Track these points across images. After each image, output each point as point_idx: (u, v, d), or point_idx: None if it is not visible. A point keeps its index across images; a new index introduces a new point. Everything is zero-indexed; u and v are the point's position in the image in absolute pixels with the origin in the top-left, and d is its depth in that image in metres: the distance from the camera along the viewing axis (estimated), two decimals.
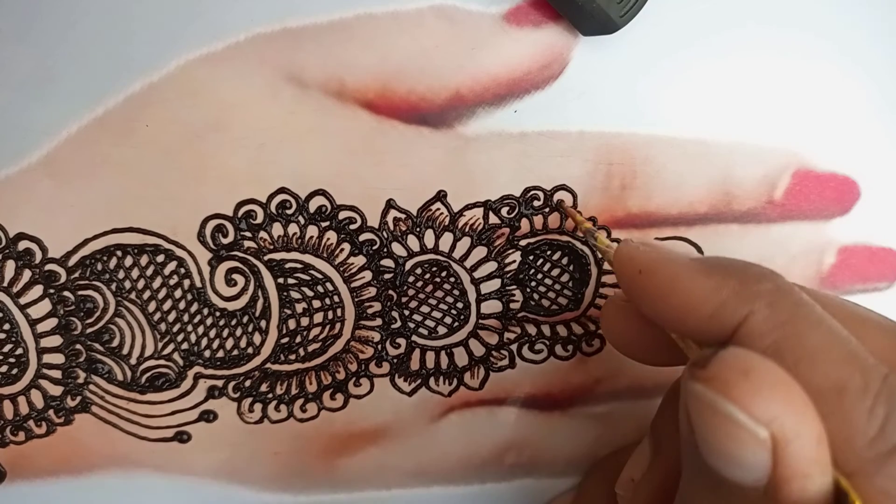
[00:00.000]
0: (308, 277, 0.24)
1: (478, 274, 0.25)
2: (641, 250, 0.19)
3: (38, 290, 0.23)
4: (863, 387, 0.15)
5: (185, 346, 0.24)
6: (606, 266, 0.26)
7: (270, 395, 0.25)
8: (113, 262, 0.24)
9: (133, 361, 0.24)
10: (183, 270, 0.24)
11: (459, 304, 0.25)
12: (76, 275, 0.23)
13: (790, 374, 0.14)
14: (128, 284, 0.24)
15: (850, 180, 0.27)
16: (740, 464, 0.14)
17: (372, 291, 0.25)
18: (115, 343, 0.24)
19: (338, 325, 0.25)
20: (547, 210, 0.25)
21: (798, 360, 0.15)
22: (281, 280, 0.24)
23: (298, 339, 0.25)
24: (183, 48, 0.23)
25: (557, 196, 0.25)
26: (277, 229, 0.24)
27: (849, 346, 0.15)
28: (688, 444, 0.16)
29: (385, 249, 0.24)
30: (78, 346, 0.24)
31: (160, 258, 0.24)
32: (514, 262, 0.25)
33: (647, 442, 0.22)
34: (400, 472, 0.26)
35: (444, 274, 0.25)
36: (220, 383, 0.25)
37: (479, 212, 0.25)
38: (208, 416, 0.25)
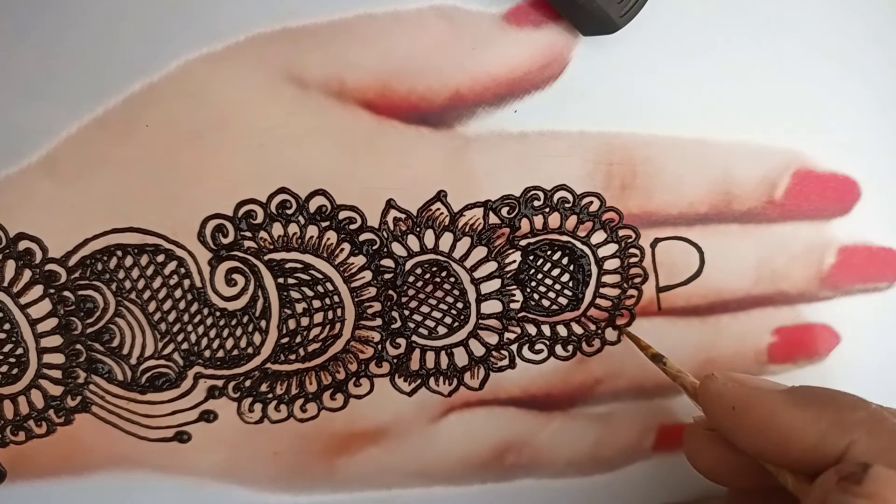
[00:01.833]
0: (308, 277, 0.24)
1: (478, 274, 0.25)
2: (730, 387, 0.20)
3: (38, 290, 0.23)
4: None
5: (185, 346, 0.24)
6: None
7: (270, 395, 0.25)
8: (113, 262, 0.24)
9: (133, 361, 0.24)
10: (183, 270, 0.24)
11: (459, 304, 0.25)
12: (76, 275, 0.23)
13: None
14: (128, 284, 0.24)
15: (850, 180, 0.27)
16: None
17: (372, 291, 0.25)
18: (116, 343, 0.24)
19: (338, 325, 0.25)
20: (547, 210, 0.25)
21: None
22: (281, 280, 0.24)
23: (298, 339, 0.25)
24: (183, 48, 0.23)
25: (619, 322, 0.26)
26: (277, 229, 0.24)
27: None
28: None
29: (385, 249, 0.24)
30: (78, 346, 0.24)
31: (160, 258, 0.24)
32: (514, 262, 0.25)
33: None
34: (400, 472, 0.26)
35: (444, 274, 0.25)
36: (220, 383, 0.25)
37: (479, 212, 0.25)
38: (208, 416, 0.25)
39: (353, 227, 0.24)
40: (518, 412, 0.26)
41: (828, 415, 0.18)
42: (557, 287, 0.26)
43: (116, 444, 0.25)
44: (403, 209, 0.24)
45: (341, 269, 0.24)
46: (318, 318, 0.25)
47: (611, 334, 0.26)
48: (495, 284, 0.25)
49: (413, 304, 0.25)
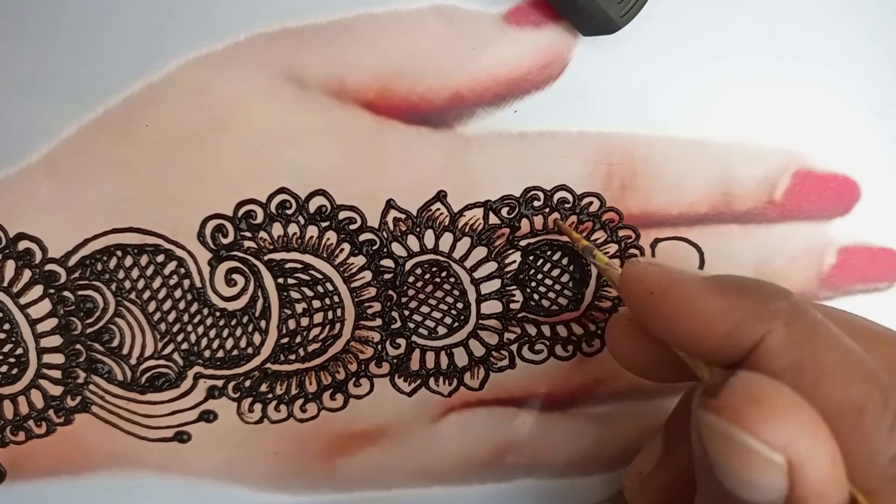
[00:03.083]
0: (308, 277, 0.24)
1: (478, 274, 0.25)
2: (650, 271, 0.19)
3: (38, 290, 0.23)
4: (882, 406, 0.15)
5: (185, 346, 0.24)
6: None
7: (270, 395, 0.25)
8: (113, 262, 0.24)
9: (133, 361, 0.24)
10: (183, 270, 0.24)
11: (459, 305, 0.25)
12: (76, 275, 0.23)
13: (810, 394, 0.15)
14: (128, 284, 0.24)
15: (850, 180, 0.27)
16: (757, 488, 0.14)
17: (372, 291, 0.25)
18: (115, 343, 0.24)
19: (338, 326, 0.25)
20: (547, 210, 0.25)
21: (817, 380, 0.15)
22: (281, 280, 0.24)
23: (298, 339, 0.25)
24: (183, 48, 0.23)
25: (552, 217, 0.25)
26: (277, 229, 0.24)
27: (866, 364, 0.16)
28: (702, 466, 0.16)
29: (385, 249, 0.24)
30: (78, 346, 0.24)
31: (160, 258, 0.24)
32: (514, 262, 0.25)
33: (659, 438, 0.22)
34: (400, 472, 0.26)
35: (444, 274, 0.25)
36: (220, 383, 0.25)
37: (479, 212, 0.25)
38: (208, 416, 0.25)
39: (353, 227, 0.24)
40: (518, 412, 0.26)
41: (747, 303, 0.17)
42: (557, 287, 0.26)
43: (116, 444, 0.25)
44: (403, 209, 0.24)
45: (341, 269, 0.24)
46: (318, 318, 0.25)
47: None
48: (495, 285, 0.25)
49: (413, 304, 0.25)
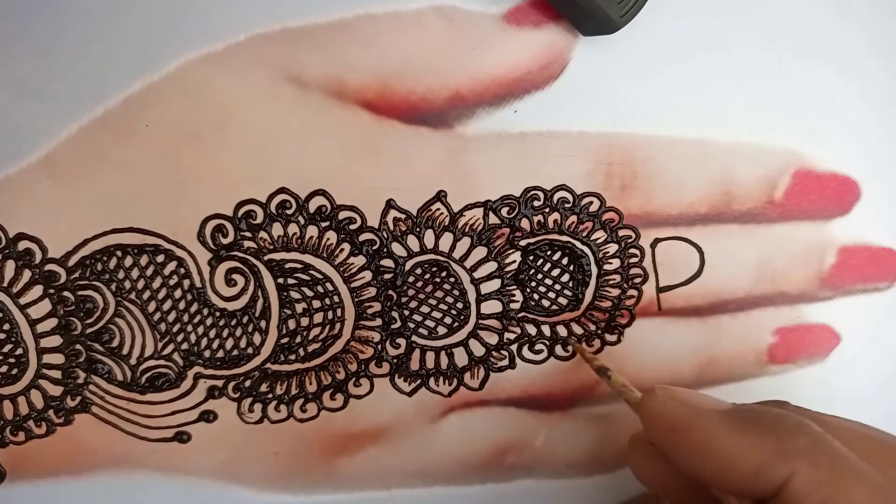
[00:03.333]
0: (308, 277, 0.24)
1: (478, 274, 0.25)
2: (670, 406, 0.19)
3: (38, 290, 0.23)
4: None
5: (185, 346, 0.24)
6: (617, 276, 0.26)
7: (270, 395, 0.25)
8: (113, 263, 0.24)
9: (133, 361, 0.24)
10: (183, 270, 0.24)
11: (459, 305, 0.25)
12: (76, 275, 0.23)
13: None
14: (128, 284, 0.24)
15: (850, 180, 0.27)
16: None
17: (372, 291, 0.25)
18: (115, 343, 0.24)
19: (338, 326, 0.25)
20: (547, 210, 0.25)
21: None
22: (281, 280, 0.24)
23: (298, 340, 0.25)
24: (183, 48, 0.23)
25: (570, 340, 0.25)
26: (277, 229, 0.24)
27: (892, 495, 0.16)
28: None
29: (385, 249, 0.24)
30: (78, 346, 0.24)
31: (160, 258, 0.24)
32: (514, 262, 0.25)
33: None
34: (400, 472, 0.26)
35: (443, 274, 0.25)
36: (220, 383, 0.25)
37: (479, 212, 0.25)
38: (208, 416, 0.25)
39: (352, 227, 0.24)
40: (518, 412, 0.26)
41: (768, 441, 0.17)
42: (557, 287, 0.26)
43: (116, 445, 0.25)
44: (403, 209, 0.24)
45: (341, 269, 0.24)
46: (318, 318, 0.25)
47: (610, 336, 0.26)
48: (495, 284, 0.25)
49: (413, 304, 0.25)
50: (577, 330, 0.26)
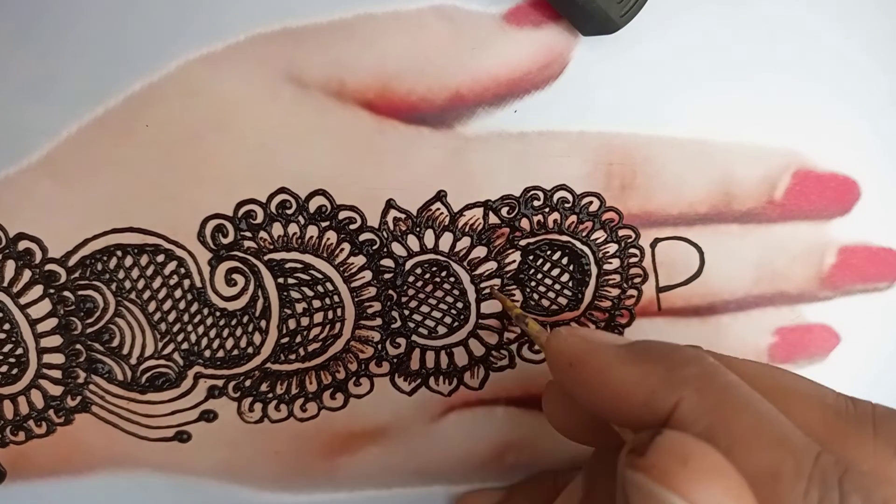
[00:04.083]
0: (308, 277, 0.24)
1: (478, 274, 0.25)
2: (569, 342, 0.19)
3: (38, 290, 0.23)
4: (795, 470, 0.15)
5: (185, 345, 0.24)
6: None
7: (270, 395, 0.25)
8: (113, 262, 0.24)
9: (133, 361, 0.24)
10: (183, 270, 0.24)
11: (459, 304, 0.25)
12: (76, 275, 0.23)
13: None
14: (128, 284, 0.24)
15: (850, 180, 0.27)
16: None
17: (372, 291, 0.25)
18: (115, 343, 0.24)
19: (338, 325, 0.25)
20: (547, 210, 0.25)
21: (730, 446, 0.15)
22: (281, 280, 0.24)
23: (298, 339, 0.25)
24: (183, 48, 0.23)
25: (487, 284, 0.25)
26: (277, 229, 0.24)
27: (779, 427, 0.15)
28: None
29: (385, 249, 0.24)
30: (78, 346, 0.24)
31: (160, 258, 0.24)
32: (514, 261, 0.25)
33: (580, 481, 0.22)
34: (400, 471, 0.26)
35: (444, 274, 0.25)
36: (220, 383, 0.25)
37: (479, 212, 0.25)
38: (208, 416, 0.25)
39: (353, 227, 0.24)
40: (518, 412, 0.26)
41: (659, 371, 0.17)
42: (557, 287, 0.26)
43: (116, 444, 0.25)
44: (403, 209, 0.24)
45: (341, 269, 0.24)
46: (318, 317, 0.25)
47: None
48: (495, 284, 0.25)
49: (413, 303, 0.25)
50: None
